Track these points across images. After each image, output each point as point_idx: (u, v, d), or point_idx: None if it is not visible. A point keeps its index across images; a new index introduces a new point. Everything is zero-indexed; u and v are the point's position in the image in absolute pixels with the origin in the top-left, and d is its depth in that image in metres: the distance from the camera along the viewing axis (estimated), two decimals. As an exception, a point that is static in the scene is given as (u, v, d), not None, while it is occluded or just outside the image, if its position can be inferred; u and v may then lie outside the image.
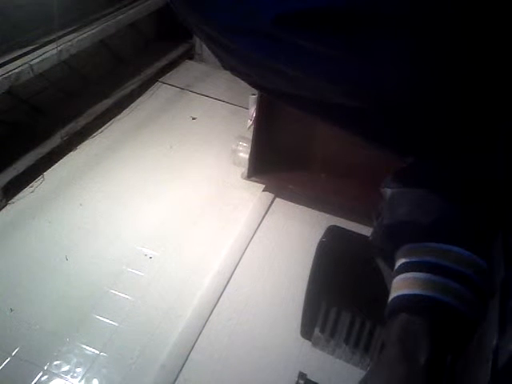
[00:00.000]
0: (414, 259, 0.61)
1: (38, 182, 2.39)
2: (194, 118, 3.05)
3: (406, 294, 0.59)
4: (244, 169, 2.53)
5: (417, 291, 0.58)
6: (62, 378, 1.61)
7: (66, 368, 1.64)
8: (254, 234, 2.25)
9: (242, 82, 0.70)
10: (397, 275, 0.62)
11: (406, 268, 0.61)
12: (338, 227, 1.02)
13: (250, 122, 2.49)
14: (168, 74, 3.49)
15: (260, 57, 0.59)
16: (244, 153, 2.53)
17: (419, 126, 0.62)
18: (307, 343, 1.03)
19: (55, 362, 1.65)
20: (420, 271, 0.59)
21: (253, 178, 2.50)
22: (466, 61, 0.54)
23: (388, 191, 0.67)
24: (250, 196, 2.47)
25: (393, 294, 0.61)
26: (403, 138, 0.65)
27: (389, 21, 0.49)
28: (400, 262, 0.62)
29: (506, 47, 0.54)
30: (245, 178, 2.54)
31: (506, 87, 0.57)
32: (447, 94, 0.57)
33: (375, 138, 0.69)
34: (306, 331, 1.03)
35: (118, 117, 2.95)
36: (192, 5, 0.59)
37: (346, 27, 0.50)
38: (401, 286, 0.60)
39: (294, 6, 0.49)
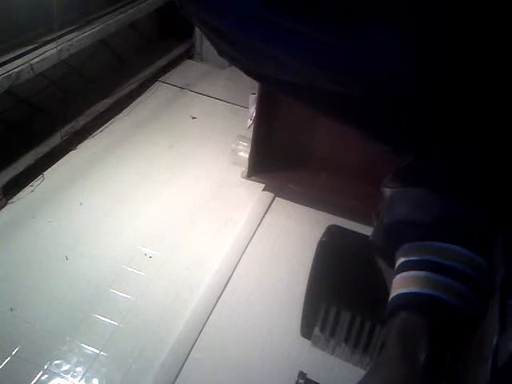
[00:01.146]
0: (413, 258, 0.61)
1: (38, 182, 2.39)
2: (193, 118, 3.05)
3: (405, 293, 0.59)
4: (244, 168, 2.53)
5: (416, 290, 0.58)
6: (62, 377, 1.61)
7: (66, 367, 1.64)
8: (253, 234, 2.25)
9: (242, 81, 0.71)
10: (397, 274, 0.62)
11: (405, 267, 0.61)
12: (338, 226, 1.02)
13: (249, 122, 2.49)
14: (168, 74, 3.49)
15: (253, 41, 0.59)
16: (244, 152, 2.54)
17: (414, 117, 0.62)
18: (307, 342, 1.03)
19: (55, 362, 1.65)
20: (419, 270, 0.59)
21: (253, 178, 2.50)
22: (462, 46, 0.53)
23: (387, 191, 0.67)
24: (250, 195, 2.47)
25: (393, 293, 0.61)
26: (398, 129, 0.65)
27: (383, 5, 0.49)
28: (400, 261, 0.62)
29: (502, 36, 0.53)
30: (245, 178, 2.55)
31: (503, 80, 0.57)
32: (443, 82, 0.57)
33: (370, 130, 0.68)
34: (306, 331, 1.03)
35: (118, 116, 2.95)
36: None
37: (339, 12, 0.49)
38: (400, 284, 0.60)
39: None
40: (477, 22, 0.51)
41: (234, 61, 0.68)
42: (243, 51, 0.63)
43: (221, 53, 0.67)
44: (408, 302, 0.58)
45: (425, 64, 0.54)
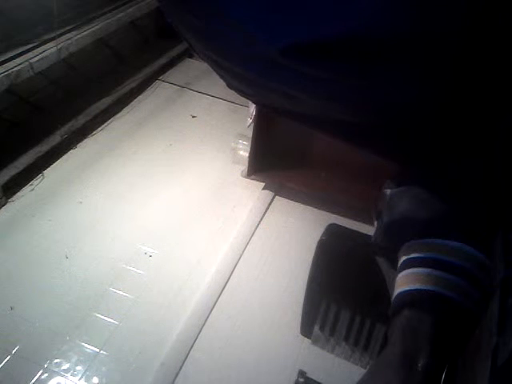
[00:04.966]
0: (414, 255, 0.61)
1: (38, 180, 2.39)
2: (193, 116, 3.04)
3: (407, 290, 0.60)
4: (244, 167, 2.53)
5: (418, 286, 0.58)
6: (62, 376, 1.61)
7: (66, 366, 1.64)
8: (253, 233, 2.25)
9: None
10: (399, 273, 0.62)
11: (407, 265, 0.61)
12: (338, 225, 1.02)
13: (249, 120, 2.49)
14: (168, 72, 3.49)
15: (265, 81, 0.60)
16: (244, 151, 2.53)
17: (418, 138, 0.64)
18: (307, 341, 1.03)
19: (55, 360, 1.65)
20: (421, 267, 0.59)
21: (252, 177, 2.50)
22: (462, 74, 0.56)
23: (387, 192, 0.68)
24: (250, 194, 2.47)
25: (396, 291, 0.61)
26: (403, 150, 0.67)
27: (394, 51, 0.51)
28: (402, 259, 0.63)
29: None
30: (244, 176, 2.55)
31: (503, 87, 0.58)
32: (447, 107, 0.59)
33: (377, 150, 0.70)
34: (306, 329, 1.03)
35: (118, 115, 2.95)
36: (203, 38, 0.60)
37: (353, 57, 0.51)
38: (403, 282, 0.61)
39: (301, 38, 0.50)
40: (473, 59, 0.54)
41: (243, 93, 0.69)
42: (254, 88, 0.65)
43: (230, 86, 0.69)
44: (410, 298, 0.59)
45: (427, 96, 0.57)
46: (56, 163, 2.52)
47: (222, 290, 1.97)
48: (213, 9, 0.54)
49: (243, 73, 0.61)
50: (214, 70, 0.67)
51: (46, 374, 1.61)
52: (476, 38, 0.52)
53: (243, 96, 0.70)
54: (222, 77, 0.67)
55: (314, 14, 0.49)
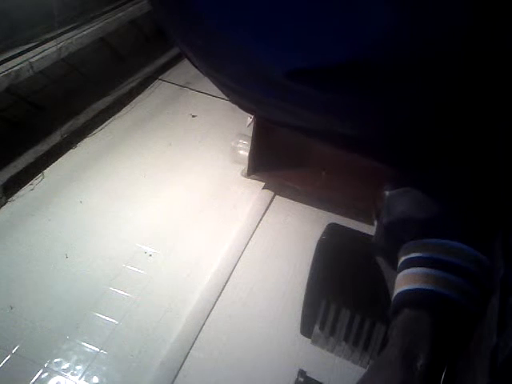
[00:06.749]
0: (414, 255, 0.61)
1: (38, 180, 2.39)
2: (193, 116, 3.04)
3: (407, 290, 0.60)
4: (244, 166, 2.53)
5: (418, 286, 0.59)
6: (62, 375, 1.62)
7: (66, 365, 1.64)
8: (254, 232, 2.25)
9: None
10: (399, 272, 0.62)
11: (407, 265, 0.62)
12: (338, 225, 1.02)
13: (249, 120, 2.48)
14: (168, 72, 3.49)
15: (267, 99, 0.60)
16: (244, 150, 2.53)
17: (419, 148, 0.64)
18: (307, 341, 1.03)
19: (55, 360, 1.65)
20: (421, 267, 0.59)
21: (253, 176, 2.50)
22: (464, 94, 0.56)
23: (387, 193, 0.68)
24: (250, 194, 2.47)
25: (396, 291, 0.61)
26: (403, 158, 0.67)
27: (397, 74, 0.51)
28: (401, 259, 0.63)
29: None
30: (245, 176, 2.55)
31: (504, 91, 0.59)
32: (448, 115, 0.60)
33: (375, 158, 0.70)
34: (306, 329, 1.03)
35: (118, 114, 2.95)
36: (203, 56, 0.60)
37: (358, 80, 0.51)
38: (403, 282, 0.61)
39: (308, 63, 0.50)
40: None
41: (242, 107, 0.69)
42: (255, 103, 0.65)
43: (230, 99, 0.69)
44: (410, 297, 0.59)
45: (429, 113, 0.58)
46: (56, 163, 2.52)
47: (223, 289, 1.97)
48: (217, 33, 0.54)
49: (244, 91, 0.61)
50: (215, 85, 0.67)
51: (46, 374, 1.61)
52: (477, 58, 0.52)
53: (243, 109, 0.70)
54: (222, 91, 0.68)
55: (320, 40, 0.49)
